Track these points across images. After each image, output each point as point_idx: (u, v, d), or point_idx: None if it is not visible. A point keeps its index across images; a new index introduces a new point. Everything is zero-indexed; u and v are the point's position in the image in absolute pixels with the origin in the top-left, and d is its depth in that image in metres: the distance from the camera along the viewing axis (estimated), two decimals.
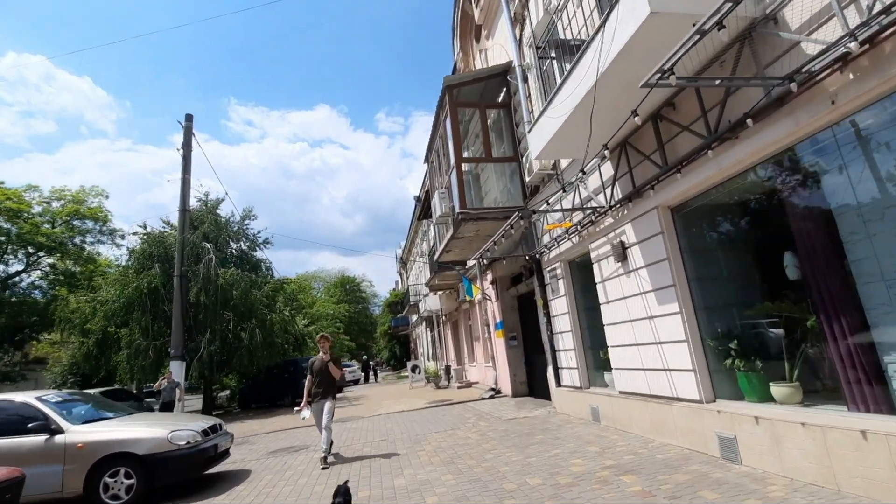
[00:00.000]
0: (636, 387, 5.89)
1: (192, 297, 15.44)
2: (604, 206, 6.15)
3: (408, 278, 36.00)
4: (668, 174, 4.93)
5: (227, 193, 36.98)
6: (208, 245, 16.61)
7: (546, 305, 8.73)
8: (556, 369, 8.44)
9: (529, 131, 6.20)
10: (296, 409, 6.76)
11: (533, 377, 11.55)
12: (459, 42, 14.30)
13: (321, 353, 6.53)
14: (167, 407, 11.09)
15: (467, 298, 14.51)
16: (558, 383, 8.41)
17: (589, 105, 4.56)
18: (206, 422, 6.36)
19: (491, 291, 12.75)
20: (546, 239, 8.33)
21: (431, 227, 22.80)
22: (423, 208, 17.56)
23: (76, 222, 25.77)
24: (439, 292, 19.18)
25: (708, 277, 5.17)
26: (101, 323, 15.99)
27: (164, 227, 17.69)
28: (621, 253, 5.99)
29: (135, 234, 17.87)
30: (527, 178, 8.61)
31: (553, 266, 8.32)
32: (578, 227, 6.88)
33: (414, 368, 19.18)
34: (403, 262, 40.58)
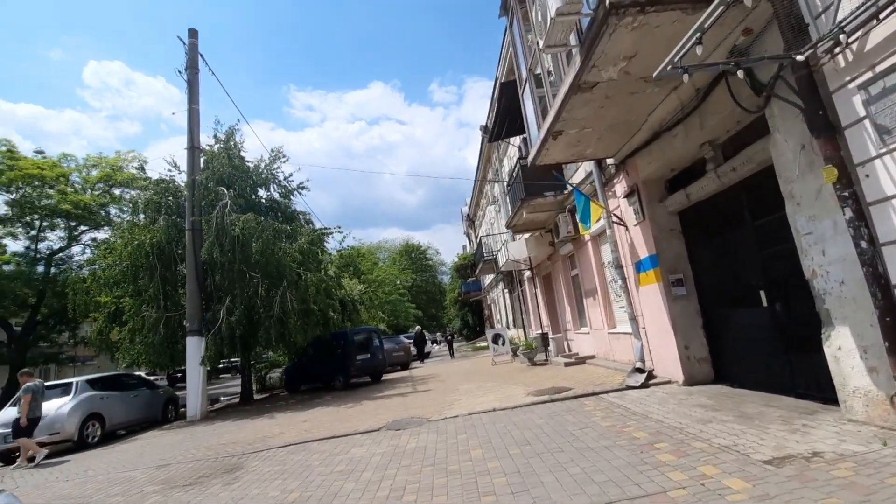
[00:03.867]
0: None
1: (204, 253, 11.82)
2: None
3: (476, 236, 31.21)
4: None
5: (242, 118, 33.06)
6: (224, 190, 12.83)
7: (848, 182, 3.51)
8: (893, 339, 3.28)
9: None
10: None
11: (721, 351, 6.45)
12: None
13: None
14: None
15: (583, 230, 9.48)
16: None
17: None
18: None
19: (628, 210, 7.60)
20: (850, 6, 3.03)
21: (507, 157, 17.57)
22: (498, 119, 12.34)
23: (116, 191, 23.62)
24: (526, 234, 14.11)
25: None
26: (105, 293, 12.93)
27: (170, 171, 14.14)
28: None
29: (132, 181, 14.54)
30: None
31: None
32: None
33: (496, 338, 14.55)
34: (471, 220, 35.83)
